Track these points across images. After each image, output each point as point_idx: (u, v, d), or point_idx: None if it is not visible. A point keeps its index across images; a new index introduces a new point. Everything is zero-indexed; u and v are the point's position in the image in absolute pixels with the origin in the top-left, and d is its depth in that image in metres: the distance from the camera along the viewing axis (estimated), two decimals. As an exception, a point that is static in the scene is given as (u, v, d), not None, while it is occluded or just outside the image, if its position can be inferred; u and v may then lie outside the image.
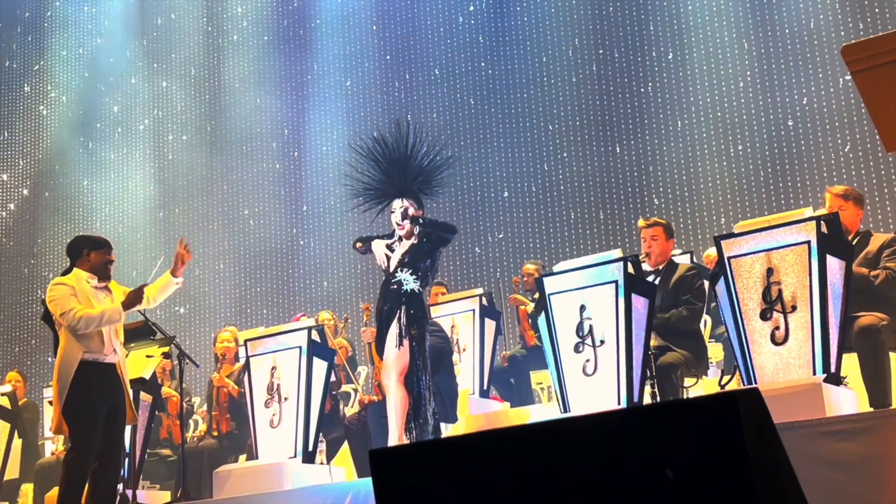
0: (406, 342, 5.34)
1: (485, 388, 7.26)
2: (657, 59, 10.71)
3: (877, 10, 9.56)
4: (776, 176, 9.83)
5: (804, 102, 9.78)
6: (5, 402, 7.56)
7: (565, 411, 5.15)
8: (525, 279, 8.01)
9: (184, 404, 7.29)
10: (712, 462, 1.63)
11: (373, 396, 6.34)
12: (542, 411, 6.45)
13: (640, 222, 6.00)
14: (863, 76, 2.46)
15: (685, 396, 5.35)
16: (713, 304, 6.35)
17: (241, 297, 12.56)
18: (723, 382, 5.15)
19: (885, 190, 9.24)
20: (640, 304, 5.15)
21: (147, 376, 6.24)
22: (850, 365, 4.86)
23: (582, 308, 5.21)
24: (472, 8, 12.05)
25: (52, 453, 8.03)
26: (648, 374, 5.15)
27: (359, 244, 5.71)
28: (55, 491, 5.51)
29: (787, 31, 10.00)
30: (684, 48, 10.57)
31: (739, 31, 10.29)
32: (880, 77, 2.42)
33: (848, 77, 8.87)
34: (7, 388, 7.90)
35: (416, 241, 5.49)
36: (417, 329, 5.37)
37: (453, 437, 2.12)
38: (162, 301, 5.67)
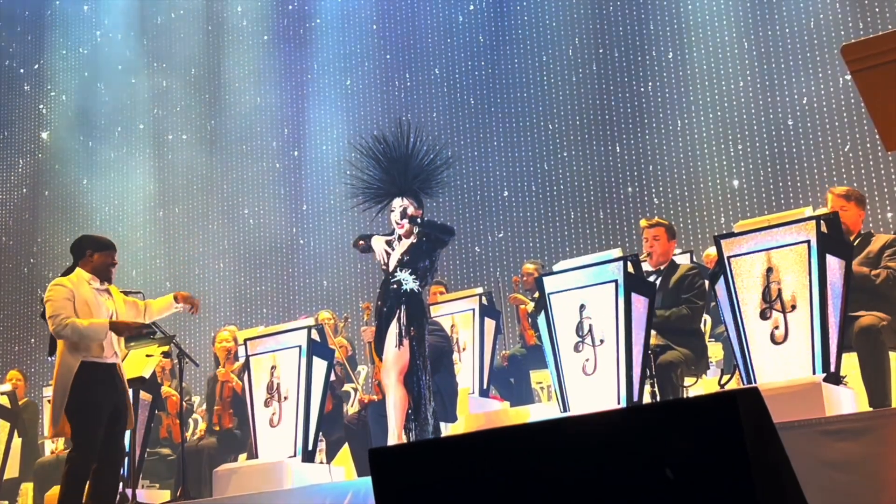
0: (406, 342, 5.34)
1: (484, 387, 7.25)
2: (657, 59, 10.70)
3: (877, 9, 9.56)
4: (776, 175, 9.83)
5: (804, 102, 9.77)
6: (5, 401, 7.57)
7: (565, 411, 5.15)
8: (525, 278, 8.01)
9: (183, 403, 7.29)
10: (712, 462, 1.63)
11: (373, 396, 6.34)
12: (542, 411, 6.45)
13: (643, 222, 6.00)
14: (863, 76, 2.46)
15: (685, 396, 5.36)
16: (713, 304, 6.35)
17: (240, 297, 12.56)
18: (722, 382, 5.15)
19: (885, 190, 9.24)
20: (639, 303, 5.15)
21: (147, 375, 6.23)
22: (850, 364, 4.86)
23: (582, 307, 5.21)
24: (472, 7, 12.05)
25: (52, 452, 8.03)
26: (648, 373, 5.15)
27: (360, 242, 5.72)
28: (55, 490, 5.51)
29: (787, 30, 10.00)
30: (684, 48, 10.57)
31: (739, 31, 10.29)
32: (880, 77, 2.41)
33: (848, 77, 8.87)
34: (7, 387, 7.90)
35: (415, 241, 5.49)
36: (417, 329, 5.37)
37: (453, 437, 2.12)
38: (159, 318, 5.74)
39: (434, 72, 12.09)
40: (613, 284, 5.12)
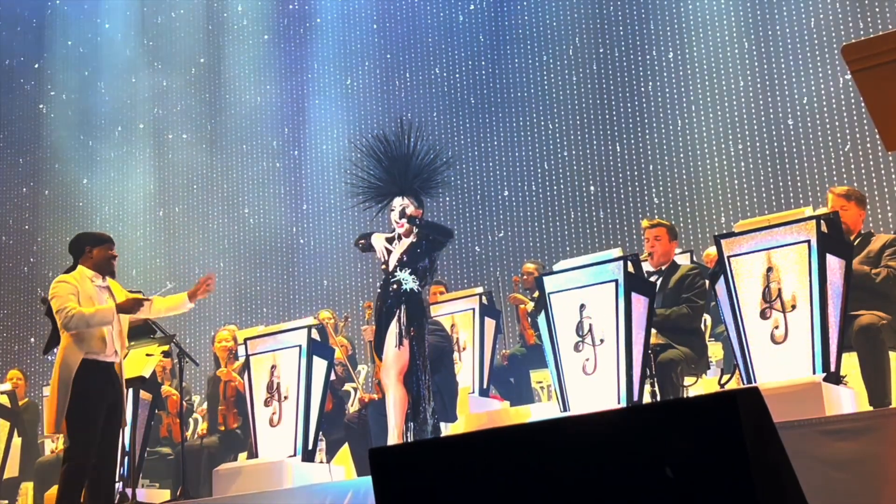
0: (406, 342, 5.34)
1: (485, 386, 7.26)
2: (657, 58, 10.70)
3: (877, 9, 9.55)
4: (776, 175, 9.82)
5: (804, 102, 9.77)
6: (5, 400, 7.57)
7: (565, 410, 5.16)
8: (525, 278, 8.01)
9: (183, 403, 7.29)
10: (712, 461, 1.63)
11: (373, 395, 6.34)
12: (542, 410, 6.45)
13: (644, 222, 6.01)
14: (863, 76, 2.45)
15: (685, 395, 5.36)
16: (713, 304, 6.36)
17: (240, 296, 12.55)
18: (722, 381, 5.16)
19: (885, 190, 9.24)
20: (639, 303, 5.15)
21: (147, 375, 6.24)
22: (850, 364, 4.86)
23: (582, 307, 5.21)
24: (472, 7, 12.04)
25: (52, 451, 8.03)
26: (648, 372, 5.15)
27: (361, 241, 5.72)
28: (55, 489, 5.51)
29: (787, 30, 10.00)
30: (684, 47, 10.57)
31: (739, 31, 10.28)
32: (880, 77, 2.41)
33: (848, 76, 8.87)
34: (7, 386, 7.90)
35: (414, 240, 5.50)
36: (417, 328, 5.37)
37: (453, 436, 2.12)
38: (165, 317, 5.72)
39: (434, 71, 12.09)
40: (613, 284, 5.12)
